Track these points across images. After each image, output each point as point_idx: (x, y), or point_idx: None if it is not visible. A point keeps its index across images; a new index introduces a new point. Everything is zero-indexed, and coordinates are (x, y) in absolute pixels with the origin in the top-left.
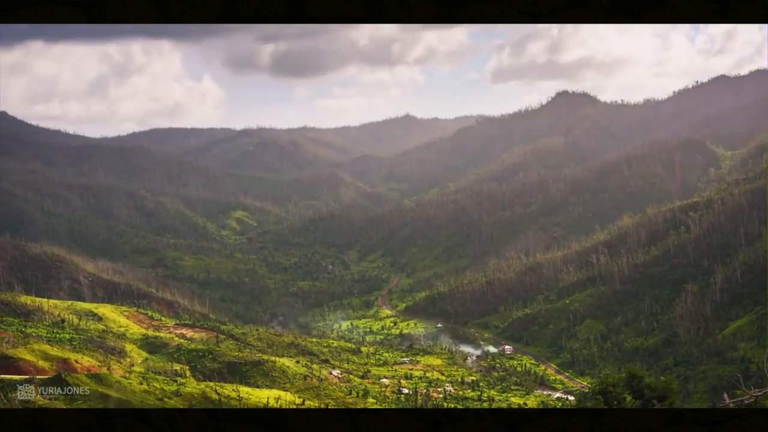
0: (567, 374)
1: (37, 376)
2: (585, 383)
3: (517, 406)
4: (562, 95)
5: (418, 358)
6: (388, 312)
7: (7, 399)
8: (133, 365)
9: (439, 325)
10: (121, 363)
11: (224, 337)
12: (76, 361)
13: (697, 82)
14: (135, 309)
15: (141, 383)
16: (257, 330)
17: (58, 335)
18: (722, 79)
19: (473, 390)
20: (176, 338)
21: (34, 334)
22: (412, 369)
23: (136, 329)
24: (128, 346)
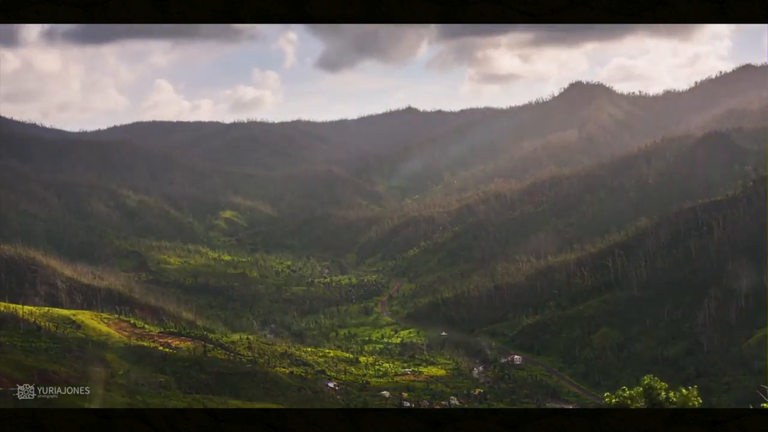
0: (581, 386)
1: (11, 389)
2: (600, 396)
3: None
4: (576, 86)
5: (421, 368)
6: (389, 319)
7: None
8: (114, 376)
9: (444, 333)
10: (101, 374)
11: (212, 346)
12: (54, 372)
13: (720, 72)
14: (116, 316)
15: (123, 396)
16: (248, 339)
17: (33, 344)
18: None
19: (480, 403)
20: (161, 347)
21: (7, 342)
22: (414, 380)
23: (117, 337)
24: (109, 356)
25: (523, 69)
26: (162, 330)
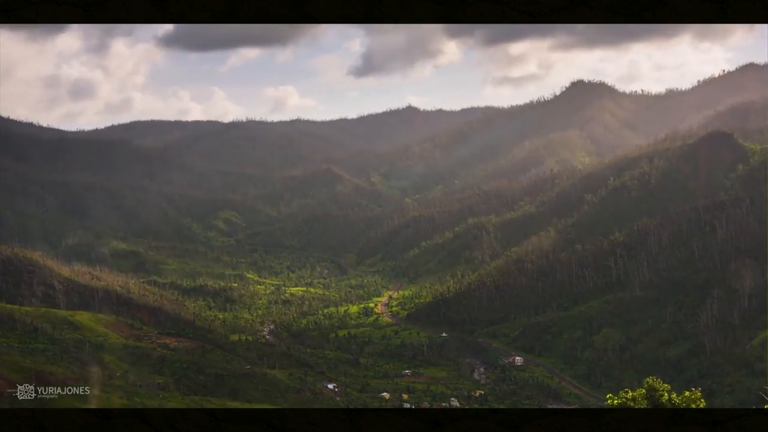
0: (582, 388)
1: (9, 390)
2: (601, 397)
3: None
4: (578, 85)
5: (421, 369)
6: (389, 320)
7: None
8: (112, 377)
9: (444, 335)
10: (99, 375)
11: (211, 347)
12: (51, 374)
13: (723, 70)
14: (114, 317)
15: (121, 397)
16: (247, 340)
17: (30, 345)
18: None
19: (481, 405)
20: (159, 348)
21: (4, 344)
22: (414, 382)
23: (115, 338)
24: (107, 357)
25: (539, 71)
26: (160, 331)
